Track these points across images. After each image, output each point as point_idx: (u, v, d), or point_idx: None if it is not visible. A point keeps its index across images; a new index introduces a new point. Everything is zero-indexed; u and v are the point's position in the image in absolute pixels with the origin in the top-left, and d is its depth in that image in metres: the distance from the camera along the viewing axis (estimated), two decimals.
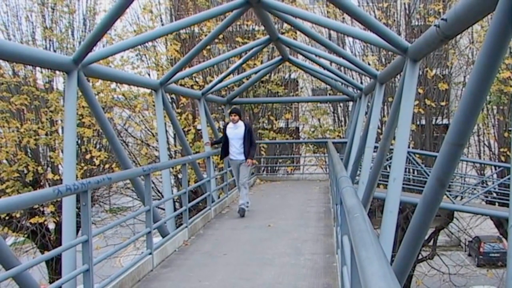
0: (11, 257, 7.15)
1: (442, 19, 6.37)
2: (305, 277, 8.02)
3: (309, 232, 11.63)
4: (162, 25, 24.11)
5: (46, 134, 21.37)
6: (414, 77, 8.80)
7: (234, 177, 15.16)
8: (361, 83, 22.52)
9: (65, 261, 8.26)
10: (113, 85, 21.97)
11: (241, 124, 14.08)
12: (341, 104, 27.41)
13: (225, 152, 14.40)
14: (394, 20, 25.12)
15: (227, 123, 14.38)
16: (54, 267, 21.48)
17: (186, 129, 22.33)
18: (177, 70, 13.81)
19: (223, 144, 14.39)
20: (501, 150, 23.18)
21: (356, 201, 4.47)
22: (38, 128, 21.15)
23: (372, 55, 24.78)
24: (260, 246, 10.41)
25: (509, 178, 18.74)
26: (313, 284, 7.85)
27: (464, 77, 24.86)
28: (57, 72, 21.42)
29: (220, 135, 16.84)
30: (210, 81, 21.44)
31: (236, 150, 14.15)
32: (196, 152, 21.03)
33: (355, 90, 21.32)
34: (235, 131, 14.07)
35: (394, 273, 2.37)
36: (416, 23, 25.42)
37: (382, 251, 2.75)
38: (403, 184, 9.77)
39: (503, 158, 22.92)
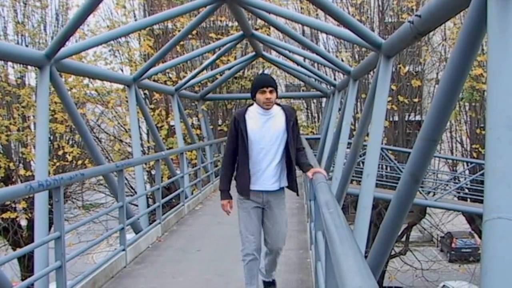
0: None
1: (416, 15, 6.39)
2: (279, 273, 8.01)
3: None
4: (136, 20, 23.93)
5: (18, 130, 21.16)
6: (388, 74, 8.84)
7: (244, 228, 6.48)
8: (335, 79, 22.60)
9: (38, 258, 8.20)
10: (86, 80, 21.81)
11: (277, 110, 6.47)
12: (315, 100, 27.52)
13: (240, 177, 6.46)
14: (368, 17, 25.23)
15: (243, 112, 6.49)
16: (26, 264, 21.29)
17: (159, 125, 22.25)
18: (151, 66, 13.76)
19: (229, 158, 6.53)
20: (473, 146, 23.33)
21: (330, 197, 4.47)
22: (10, 123, 20.93)
23: (346, 52, 24.91)
24: (234, 242, 10.36)
25: (481, 174, 18.92)
26: (287, 280, 7.85)
27: (437, 73, 25.06)
28: (29, 67, 21.23)
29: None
30: (184, 77, 21.37)
31: (266, 169, 6.38)
32: (169, 148, 20.94)
33: (328, 86, 21.39)
34: (267, 127, 6.37)
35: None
36: (390, 20, 25.55)
37: (357, 246, 2.75)
38: (376, 180, 9.82)
39: (475, 155, 23.07)
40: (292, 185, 6.61)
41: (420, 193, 18.25)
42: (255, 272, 6.50)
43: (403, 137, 25.03)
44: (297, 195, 6.85)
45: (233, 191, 6.43)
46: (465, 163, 23.16)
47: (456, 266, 29.46)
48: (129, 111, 14.34)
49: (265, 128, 6.36)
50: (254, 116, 6.40)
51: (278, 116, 6.44)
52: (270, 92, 6.31)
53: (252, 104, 6.54)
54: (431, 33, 21.46)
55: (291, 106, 6.85)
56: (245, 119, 6.38)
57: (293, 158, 6.42)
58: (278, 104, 6.56)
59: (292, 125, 6.42)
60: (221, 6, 12.72)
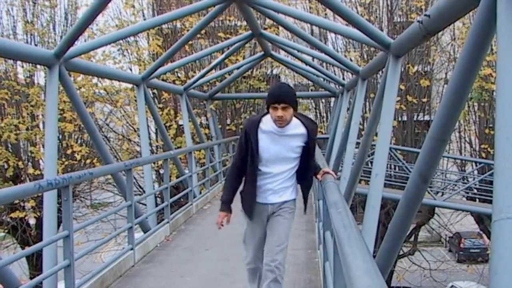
0: None
1: (425, 15, 6.38)
2: (287, 272, 7.99)
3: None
4: (144, 20, 23.93)
5: (27, 129, 21.22)
6: (397, 73, 8.82)
7: (248, 240, 6.26)
8: (343, 79, 22.57)
9: (46, 256, 8.22)
10: (95, 79, 21.87)
11: (296, 125, 5.76)
12: (323, 100, 27.48)
13: (246, 195, 5.92)
14: (377, 17, 25.18)
15: (256, 124, 5.75)
16: (35, 263, 21.35)
17: (167, 124, 22.24)
18: (159, 65, 13.78)
19: (236, 171, 5.98)
20: (482, 146, 23.27)
21: (339, 197, 4.48)
22: (19, 122, 20.98)
23: (355, 51, 24.83)
24: (242, 241, 10.41)
25: (490, 175, 18.88)
26: (295, 279, 7.85)
27: (446, 73, 24.97)
28: (38, 66, 21.30)
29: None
30: (192, 76, 21.37)
31: (273, 184, 5.89)
32: (178, 147, 20.95)
33: (337, 86, 21.36)
34: (282, 144, 5.75)
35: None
36: (399, 20, 25.49)
37: (366, 246, 2.74)
38: (385, 180, 9.81)
39: (483, 155, 23.02)
40: (304, 199, 6.19)
41: (429, 193, 18.22)
42: (257, 275, 6.16)
43: (411, 137, 24.97)
44: (304, 212, 6.43)
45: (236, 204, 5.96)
46: (473, 163, 23.10)
47: (464, 266, 29.44)
48: (137, 110, 14.36)
49: (280, 146, 5.68)
50: (268, 131, 5.64)
51: (297, 132, 5.70)
52: (283, 109, 5.44)
53: (267, 113, 5.70)
54: (440, 33, 21.41)
55: (313, 121, 5.98)
56: (257, 133, 5.66)
57: (309, 177, 6.05)
58: (298, 117, 5.77)
59: (312, 143, 5.83)
60: (229, 5, 12.69)
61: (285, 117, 5.46)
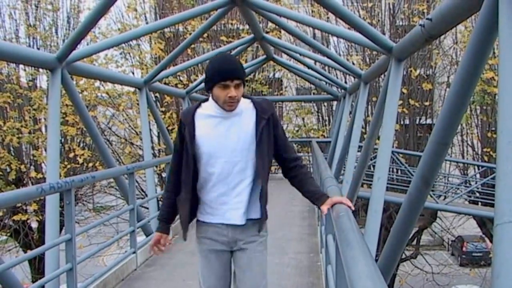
0: None
1: (427, 18, 6.38)
2: (289, 276, 8.01)
3: (293, 231, 11.62)
4: (147, 23, 23.99)
5: (29, 132, 21.24)
6: (399, 77, 8.82)
7: (201, 279, 4.57)
8: (346, 82, 22.61)
9: (48, 260, 8.21)
10: (97, 83, 21.92)
11: (245, 106, 4.32)
12: (325, 104, 27.46)
13: (182, 206, 4.47)
14: (379, 20, 25.19)
15: (190, 110, 4.37)
16: (37, 266, 21.35)
17: (170, 128, 22.27)
18: (162, 69, 13.78)
19: (173, 176, 4.47)
20: (484, 150, 23.25)
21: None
22: (21, 126, 21.01)
23: (357, 55, 24.84)
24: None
25: (492, 178, 18.86)
26: (298, 283, 7.85)
27: (448, 77, 24.97)
28: (41, 70, 21.31)
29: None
30: (195, 79, 21.40)
31: (228, 194, 4.26)
32: None
33: (339, 89, 21.39)
34: (230, 133, 4.23)
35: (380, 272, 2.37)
36: (401, 23, 25.51)
37: (368, 250, 2.75)
38: (387, 183, 9.81)
39: (486, 158, 23.01)
40: (262, 216, 4.35)
41: (431, 196, 18.21)
42: None
43: (414, 141, 24.97)
44: (258, 231, 4.35)
45: None
46: (476, 167, 23.12)
47: (467, 270, 29.37)
48: (140, 113, 14.35)
49: (227, 135, 4.21)
50: (208, 115, 4.26)
51: (246, 115, 4.28)
52: (236, 86, 4.14)
53: (206, 100, 4.38)
54: (442, 36, 21.41)
55: (266, 100, 4.47)
56: (194, 120, 4.26)
57: (261, 174, 4.23)
58: (247, 97, 4.40)
59: (265, 126, 4.24)
60: (232, 9, 12.70)
61: (238, 96, 4.16)
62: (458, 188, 22.22)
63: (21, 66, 21.81)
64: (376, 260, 5.18)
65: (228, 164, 4.18)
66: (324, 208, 4.27)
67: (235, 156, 4.18)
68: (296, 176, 4.41)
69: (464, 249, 35.82)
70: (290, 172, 4.43)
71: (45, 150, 19.16)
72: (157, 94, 23.25)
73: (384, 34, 22.66)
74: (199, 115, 4.25)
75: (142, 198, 21.38)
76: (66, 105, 19.38)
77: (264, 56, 19.54)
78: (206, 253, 4.47)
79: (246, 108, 4.27)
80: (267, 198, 4.32)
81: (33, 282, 20.42)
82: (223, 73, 4.07)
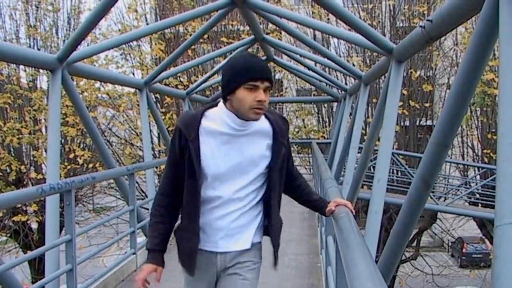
0: None
1: (427, 20, 6.38)
2: (289, 277, 8.01)
3: (293, 233, 11.61)
4: (147, 24, 23.99)
5: (30, 133, 21.23)
6: (399, 78, 8.81)
7: None
8: (346, 84, 22.59)
9: (48, 260, 8.21)
10: (97, 84, 21.90)
11: (260, 122, 3.55)
12: (326, 105, 27.47)
13: (183, 236, 3.99)
14: (379, 22, 25.20)
15: (196, 121, 3.48)
16: (37, 267, 21.34)
17: (170, 129, 22.25)
18: (162, 70, 13.77)
19: (167, 196, 3.80)
20: (485, 151, 23.26)
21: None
22: (22, 127, 21.00)
23: (357, 56, 24.85)
24: None
25: (492, 180, 18.86)
26: (298, 284, 7.85)
27: (448, 78, 24.98)
28: (41, 70, 21.31)
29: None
30: (195, 81, 21.38)
31: (226, 218, 3.57)
32: None
33: (339, 91, 21.36)
34: (240, 149, 3.50)
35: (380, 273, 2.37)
36: (401, 25, 25.52)
37: (368, 251, 2.74)
38: (387, 185, 9.80)
39: (486, 160, 23.02)
40: (274, 234, 3.77)
41: (431, 198, 18.21)
42: None
43: (414, 142, 24.97)
44: (275, 264, 3.85)
45: None
46: (476, 168, 23.10)
47: (467, 271, 29.38)
48: (140, 114, 14.34)
49: (237, 153, 3.51)
50: (215, 131, 3.48)
51: (261, 134, 3.58)
52: (266, 90, 3.41)
53: (212, 107, 3.60)
54: (443, 38, 21.42)
55: (280, 115, 3.80)
56: (198, 135, 3.46)
57: (275, 200, 3.68)
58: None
59: (284, 152, 3.65)
60: (232, 10, 12.70)
61: (267, 102, 3.42)
62: (458, 190, 22.24)
63: (21, 66, 21.80)
64: (376, 262, 5.18)
65: (232, 191, 3.53)
66: (332, 205, 3.90)
67: (242, 184, 3.54)
68: (296, 184, 4.01)
69: (464, 250, 35.83)
70: (295, 191, 4.05)
71: (45, 150, 19.14)
72: (157, 95, 23.26)
73: (384, 35, 22.66)
74: (205, 130, 3.47)
75: (142, 199, 21.38)
76: (67, 105, 19.36)
77: (265, 57, 19.50)
78: (192, 281, 3.97)
79: (261, 126, 3.57)
80: (277, 220, 3.80)
81: (33, 283, 20.41)
82: (253, 71, 3.36)
